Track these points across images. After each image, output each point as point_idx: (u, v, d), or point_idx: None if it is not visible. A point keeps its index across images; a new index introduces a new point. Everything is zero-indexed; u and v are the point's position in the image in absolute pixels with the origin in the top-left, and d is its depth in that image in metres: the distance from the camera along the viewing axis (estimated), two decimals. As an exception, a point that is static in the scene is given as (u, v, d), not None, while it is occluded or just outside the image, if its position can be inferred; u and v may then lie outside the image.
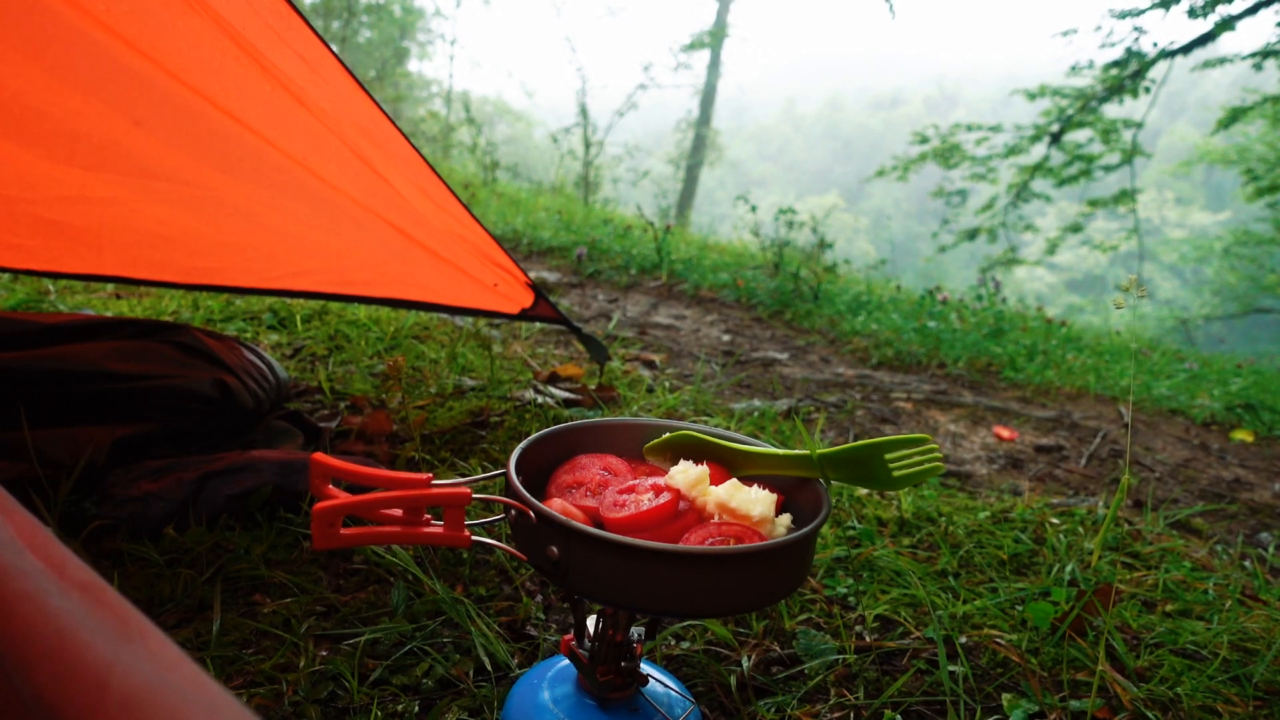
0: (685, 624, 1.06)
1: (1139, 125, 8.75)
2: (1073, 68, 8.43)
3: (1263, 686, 1.06)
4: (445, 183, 1.42)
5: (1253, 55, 7.19)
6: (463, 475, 1.40)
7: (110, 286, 2.43)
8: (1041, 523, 1.56)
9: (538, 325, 2.68)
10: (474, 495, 0.66)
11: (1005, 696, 0.99)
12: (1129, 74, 8.04)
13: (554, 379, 2.02)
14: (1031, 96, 8.91)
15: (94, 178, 1.33)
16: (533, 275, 3.34)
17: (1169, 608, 1.28)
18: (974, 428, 2.52)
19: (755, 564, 0.65)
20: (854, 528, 1.40)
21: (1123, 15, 7.86)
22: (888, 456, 0.74)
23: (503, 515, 0.70)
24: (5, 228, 1.42)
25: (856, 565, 1.28)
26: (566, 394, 1.86)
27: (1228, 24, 7.11)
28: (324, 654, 0.93)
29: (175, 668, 0.33)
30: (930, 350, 3.41)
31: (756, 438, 0.96)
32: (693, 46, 15.92)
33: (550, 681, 0.82)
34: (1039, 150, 9.22)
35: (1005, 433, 2.47)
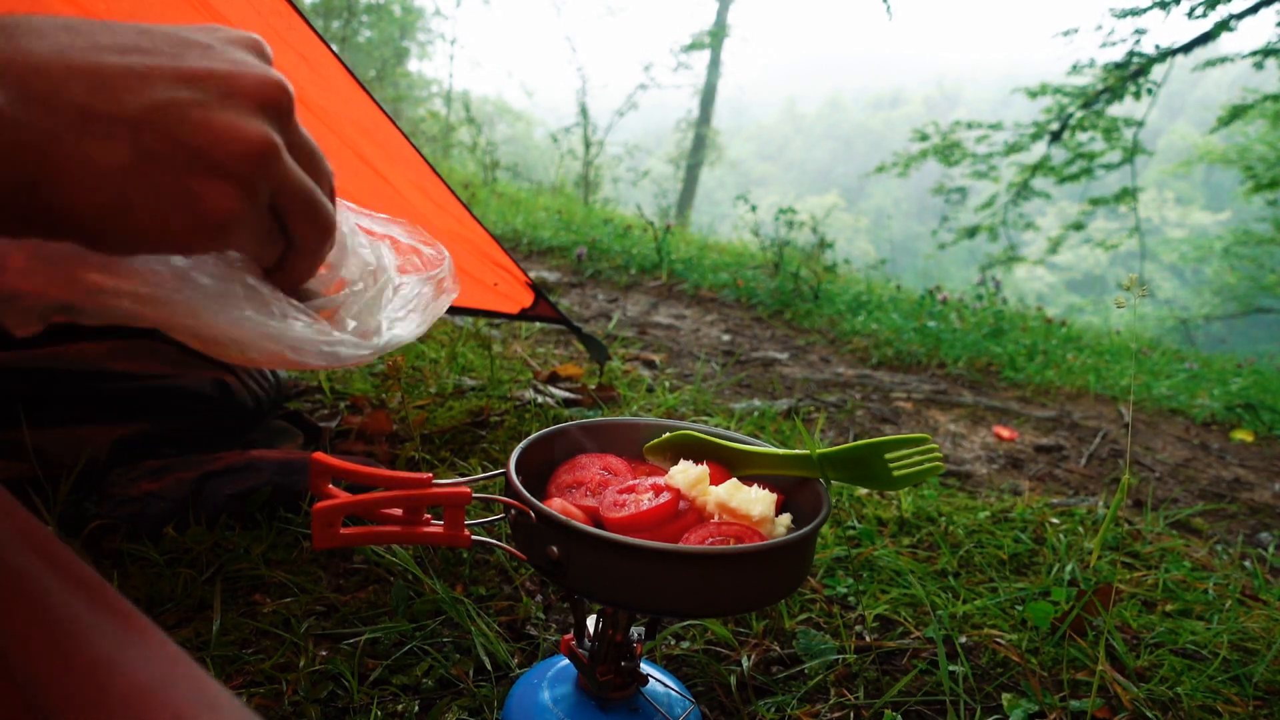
0: (685, 624, 1.06)
1: (1140, 124, 8.75)
2: (1073, 66, 8.43)
3: (1263, 686, 1.07)
4: (445, 182, 1.42)
5: (1253, 54, 7.19)
6: (463, 475, 1.40)
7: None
8: (1041, 522, 1.56)
9: (538, 325, 2.68)
10: (474, 495, 0.66)
11: (1005, 696, 0.99)
12: (1130, 74, 8.04)
13: (554, 379, 2.02)
14: (1033, 95, 8.90)
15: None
16: (533, 275, 3.34)
17: (1169, 608, 1.29)
18: (974, 427, 2.53)
19: (755, 564, 0.65)
20: (854, 528, 1.40)
21: (1123, 14, 7.86)
22: (888, 456, 0.74)
23: (503, 515, 0.70)
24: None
25: (856, 565, 1.28)
26: (566, 394, 1.86)
27: (1226, 24, 7.11)
28: (324, 654, 0.93)
29: (176, 667, 0.33)
30: (930, 350, 3.41)
31: (756, 438, 0.96)
32: (693, 46, 15.94)
33: (550, 681, 0.82)
34: (1040, 149, 9.22)
35: (1005, 432, 2.47)
